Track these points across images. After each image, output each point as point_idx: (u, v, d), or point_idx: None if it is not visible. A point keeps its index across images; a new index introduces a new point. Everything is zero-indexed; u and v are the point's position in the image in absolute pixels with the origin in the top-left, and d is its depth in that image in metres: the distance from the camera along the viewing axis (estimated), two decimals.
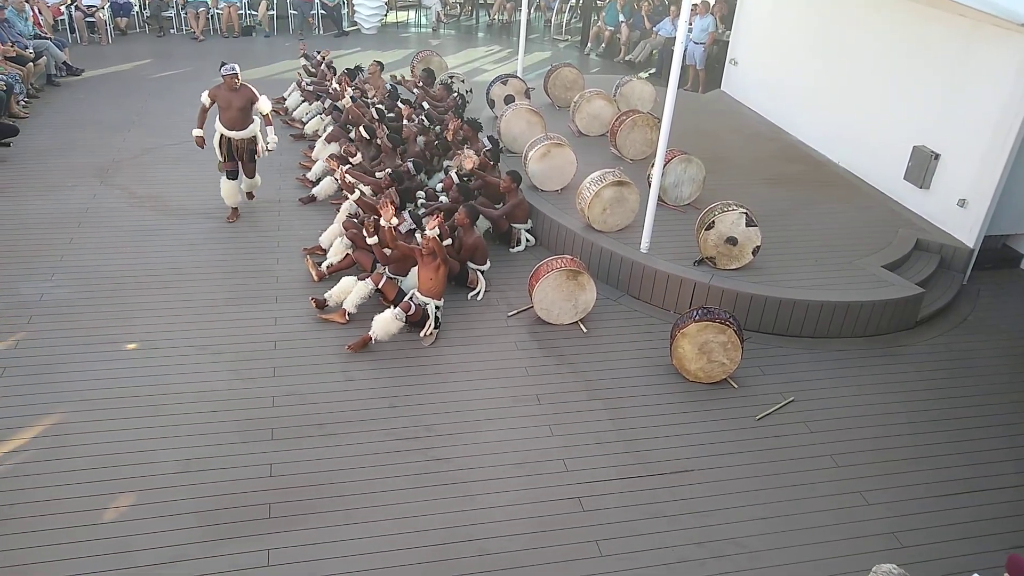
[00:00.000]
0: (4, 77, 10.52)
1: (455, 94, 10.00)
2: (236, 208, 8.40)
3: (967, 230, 7.94)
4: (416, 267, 6.75)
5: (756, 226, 7.07)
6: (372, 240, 6.87)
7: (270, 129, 8.23)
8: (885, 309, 7.02)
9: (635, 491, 5.25)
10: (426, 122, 9.42)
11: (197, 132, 8.05)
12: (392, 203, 6.75)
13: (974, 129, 7.72)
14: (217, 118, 8.00)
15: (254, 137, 8.13)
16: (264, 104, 8.04)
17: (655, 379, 6.35)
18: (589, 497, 5.17)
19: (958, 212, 8.00)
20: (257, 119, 8.15)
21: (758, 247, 7.14)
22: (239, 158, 8.15)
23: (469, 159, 7.95)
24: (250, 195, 8.64)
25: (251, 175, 8.37)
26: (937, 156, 8.18)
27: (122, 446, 5.29)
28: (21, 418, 5.47)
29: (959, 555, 4.94)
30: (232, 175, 8.21)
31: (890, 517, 5.17)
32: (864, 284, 7.18)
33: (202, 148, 8.17)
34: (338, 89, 10.06)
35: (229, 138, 8.00)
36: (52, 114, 11.05)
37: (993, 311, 7.67)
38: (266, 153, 8.29)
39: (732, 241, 7.09)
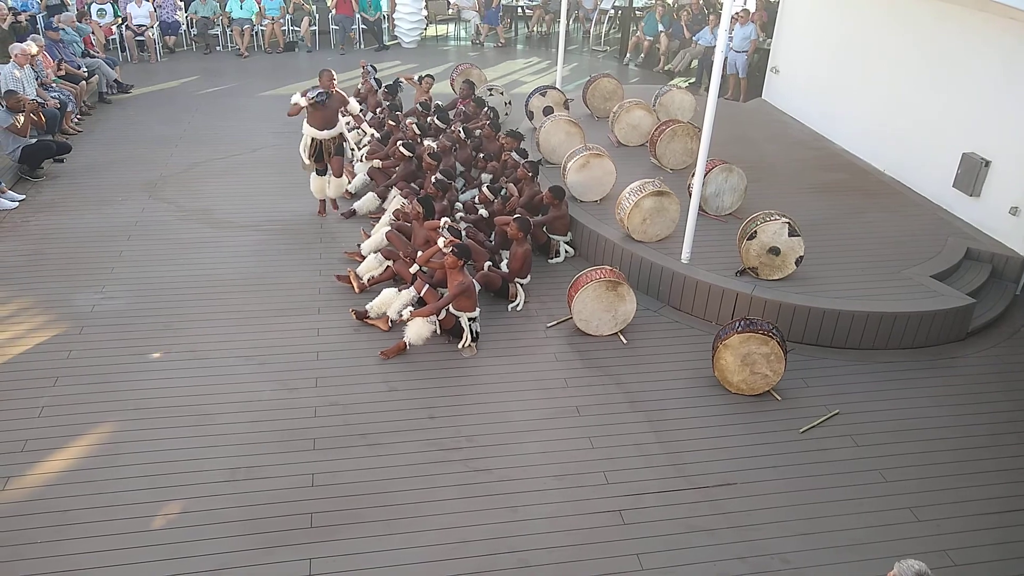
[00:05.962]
0: (58, 95, 10.88)
1: (487, 108, 10.06)
2: (324, 201, 8.94)
3: (1020, 239, 7.74)
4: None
5: (799, 236, 6.97)
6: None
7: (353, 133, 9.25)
8: (934, 320, 6.86)
9: (676, 504, 5.19)
10: (463, 135, 9.50)
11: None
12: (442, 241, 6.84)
13: None
14: (305, 121, 8.41)
15: (341, 134, 8.61)
16: (353, 106, 8.65)
17: (696, 391, 6.29)
18: (630, 510, 5.13)
19: (1010, 220, 7.80)
20: (342, 120, 8.61)
21: (801, 257, 7.04)
22: (327, 155, 8.58)
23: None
24: (335, 203, 9.02)
25: (338, 173, 8.74)
26: (988, 163, 7.99)
27: (169, 455, 5.40)
28: (73, 426, 5.62)
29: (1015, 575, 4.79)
30: (321, 172, 8.74)
31: (942, 535, 5.03)
32: (912, 294, 7.02)
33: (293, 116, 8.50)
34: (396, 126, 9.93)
35: (319, 140, 8.45)
36: (103, 130, 11.39)
37: None
38: (354, 150, 9.24)
39: (775, 251, 7.00)
